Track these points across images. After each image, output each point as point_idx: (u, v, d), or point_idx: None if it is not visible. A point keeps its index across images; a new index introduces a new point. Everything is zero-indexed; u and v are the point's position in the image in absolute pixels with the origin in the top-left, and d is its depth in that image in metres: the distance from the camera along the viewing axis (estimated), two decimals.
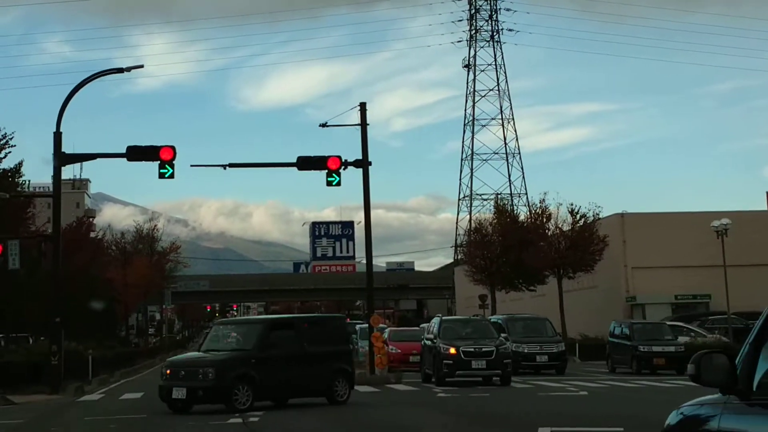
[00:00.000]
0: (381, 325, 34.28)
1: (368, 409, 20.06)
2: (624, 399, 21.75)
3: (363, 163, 31.45)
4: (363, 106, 32.38)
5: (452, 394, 23.57)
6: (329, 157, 30.29)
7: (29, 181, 44.98)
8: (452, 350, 26.57)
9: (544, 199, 52.49)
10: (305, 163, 30.47)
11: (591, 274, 52.53)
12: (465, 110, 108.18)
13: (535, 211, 52.90)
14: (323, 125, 32.83)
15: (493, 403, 20.67)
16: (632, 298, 56.43)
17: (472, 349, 26.54)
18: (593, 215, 50.90)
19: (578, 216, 50.76)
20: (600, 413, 17.75)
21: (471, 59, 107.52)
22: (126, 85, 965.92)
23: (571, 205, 51.21)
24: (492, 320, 34.61)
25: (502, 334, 28.76)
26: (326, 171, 30.22)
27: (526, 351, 32.54)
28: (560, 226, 51.49)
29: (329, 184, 30.17)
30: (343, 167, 30.51)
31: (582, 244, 49.78)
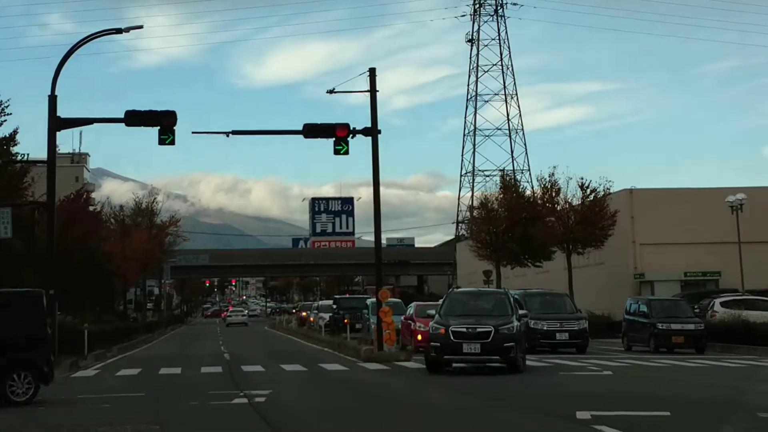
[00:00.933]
0: (391, 299, 32.92)
1: (374, 387, 18.95)
2: (653, 379, 20.53)
3: (372, 131, 30.14)
4: (372, 72, 31.00)
5: (464, 373, 22.31)
6: (337, 124, 29.23)
7: (28, 154, 43.95)
8: (441, 330, 21.67)
9: (553, 173, 51.17)
10: (312, 131, 29.32)
11: (598, 250, 51.38)
12: (468, 85, 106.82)
13: (544, 185, 51.53)
14: (331, 91, 31.66)
15: (513, 384, 19.34)
16: (640, 275, 55.36)
17: (464, 330, 21.39)
18: (604, 190, 49.65)
19: (588, 191, 49.52)
20: (634, 394, 16.51)
21: (474, 34, 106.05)
22: (126, 61, 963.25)
23: (581, 179, 49.97)
24: None
25: (521, 311, 24.64)
26: (333, 139, 29.15)
27: (545, 328, 30.77)
28: (570, 200, 50.23)
29: (337, 152, 29.13)
30: (351, 135, 29.37)
31: (592, 219, 48.58)
